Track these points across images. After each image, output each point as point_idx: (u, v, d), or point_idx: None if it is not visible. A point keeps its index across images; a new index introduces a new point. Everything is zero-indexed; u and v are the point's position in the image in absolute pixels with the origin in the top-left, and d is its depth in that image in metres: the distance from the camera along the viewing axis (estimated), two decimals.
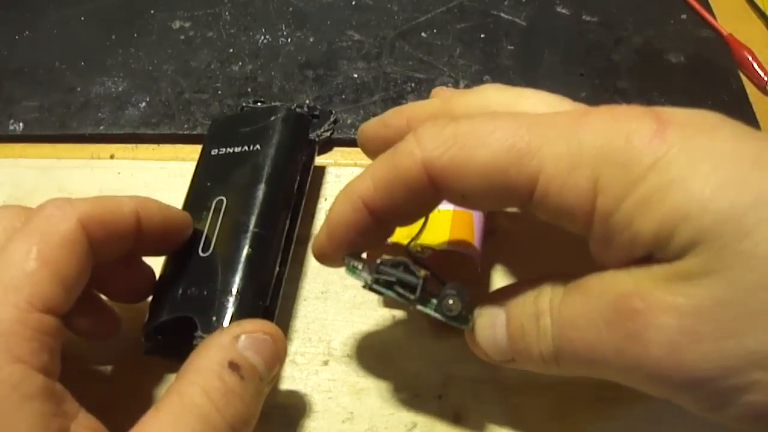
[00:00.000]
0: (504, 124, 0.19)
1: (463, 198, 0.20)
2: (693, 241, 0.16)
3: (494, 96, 0.23)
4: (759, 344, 0.16)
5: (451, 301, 0.21)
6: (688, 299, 0.16)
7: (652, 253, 0.17)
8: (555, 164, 0.18)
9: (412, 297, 0.21)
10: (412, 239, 0.25)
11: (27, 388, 0.18)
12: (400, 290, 0.22)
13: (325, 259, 0.23)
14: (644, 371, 0.17)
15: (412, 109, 0.25)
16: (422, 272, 0.21)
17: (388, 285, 0.22)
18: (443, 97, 0.25)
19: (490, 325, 0.21)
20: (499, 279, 0.29)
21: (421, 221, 0.24)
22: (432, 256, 0.25)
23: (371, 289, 0.22)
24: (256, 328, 0.22)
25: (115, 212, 0.22)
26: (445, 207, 0.27)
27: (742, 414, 0.17)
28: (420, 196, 0.20)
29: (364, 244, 0.23)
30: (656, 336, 0.17)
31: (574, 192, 0.18)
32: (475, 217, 0.27)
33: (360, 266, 0.22)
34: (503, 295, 0.22)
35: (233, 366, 0.20)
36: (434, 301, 0.22)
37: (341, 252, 0.22)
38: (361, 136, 0.27)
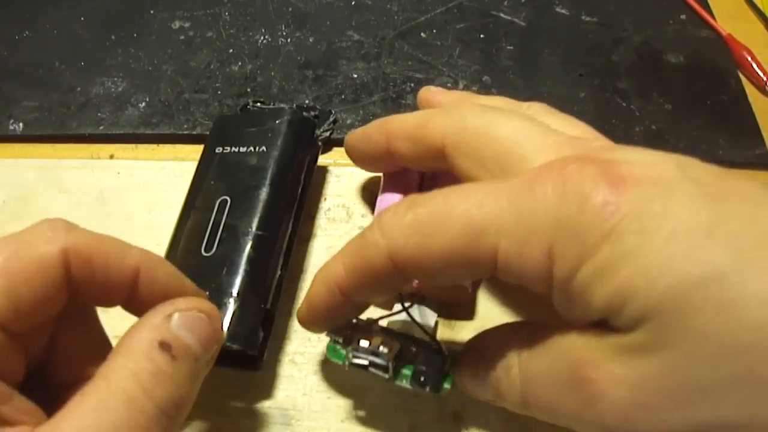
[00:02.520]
0: (458, 204, 0.19)
1: (431, 278, 0.21)
2: (642, 316, 0.16)
3: (470, 120, 0.23)
4: (711, 414, 0.16)
5: (423, 378, 0.23)
6: (638, 373, 0.17)
7: (605, 320, 0.17)
8: (510, 238, 0.18)
9: (386, 376, 0.23)
10: None
11: None
12: (374, 371, 0.23)
13: (308, 328, 0.25)
14: None
15: (392, 123, 0.26)
16: (391, 352, 0.23)
17: (364, 367, 0.23)
18: (421, 113, 0.26)
19: (473, 373, 0.23)
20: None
21: None
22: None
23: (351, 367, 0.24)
24: (191, 305, 0.21)
25: (112, 259, 0.20)
26: None
27: None
28: (388, 280, 0.21)
29: (342, 318, 0.24)
30: (609, 406, 0.17)
31: (530, 261, 0.18)
32: None
33: (339, 346, 0.24)
34: (484, 341, 0.23)
35: (164, 346, 0.19)
36: (407, 373, 0.23)
37: (322, 324, 0.24)
38: (347, 145, 0.30)
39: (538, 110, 0.25)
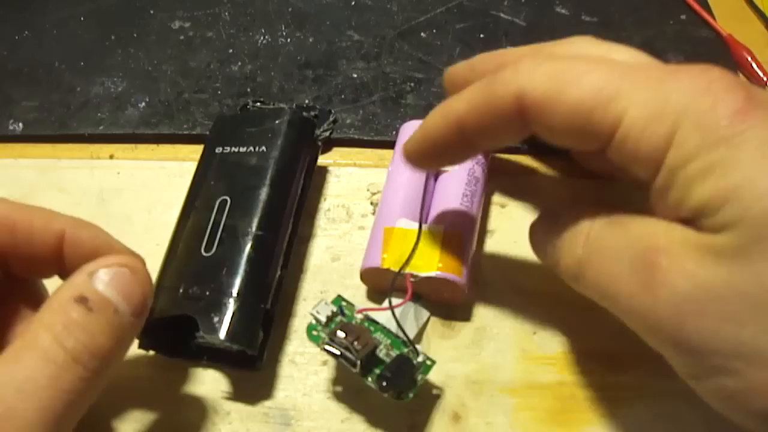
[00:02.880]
0: (599, 67, 0.19)
1: (549, 132, 0.20)
2: (734, 223, 0.16)
3: (587, 48, 0.23)
4: (752, 338, 0.16)
5: (385, 383, 0.23)
6: (707, 274, 0.17)
7: (696, 218, 0.18)
8: (638, 112, 0.18)
9: (354, 370, 0.24)
10: (402, 266, 0.26)
11: None
12: (344, 362, 0.24)
13: (411, 162, 0.25)
14: (647, 321, 0.18)
15: (502, 54, 0.26)
16: (364, 349, 0.23)
17: (335, 356, 0.24)
18: (530, 48, 0.25)
19: (544, 231, 0.23)
20: (499, 276, 0.29)
21: (411, 247, 0.27)
22: (420, 281, 0.26)
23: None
24: (114, 261, 0.21)
25: (35, 225, 0.21)
26: (436, 228, 0.27)
27: (713, 391, 0.18)
28: (508, 124, 0.21)
29: (447, 157, 0.24)
30: (667, 295, 0.17)
31: (650, 139, 0.18)
32: (465, 239, 0.27)
33: (319, 328, 0.25)
34: (562, 208, 0.23)
35: (80, 299, 0.19)
36: (377, 372, 0.24)
37: (427, 159, 0.24)
38: (447, 78, 0.28)
39: (585, 44, 0.24)
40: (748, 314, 0.16)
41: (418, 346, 0.25)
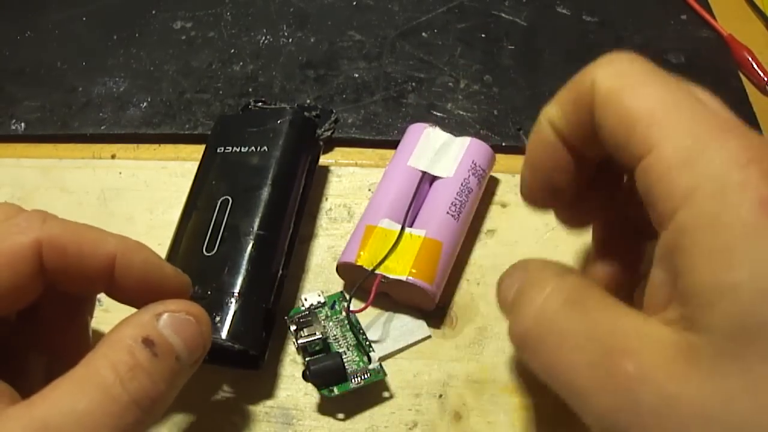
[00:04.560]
0: (661, 83, 0.18)
1: (598, 126, 0.19)
2: (721, 323, 0.15)
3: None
4: None
5: (306, 373, 0.25)
6: (676, 388, 0.15)
7: (685, 301, 0.16)
8: (672, 149, 0.16)
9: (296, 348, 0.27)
10: (376, 266, 0.27)
11: None
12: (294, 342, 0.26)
13: (529, 197, 0.23)
14: (603, 422, 0.17)
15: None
16: (304, 338, 0.26)
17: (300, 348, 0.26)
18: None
19: (504, 277, 0.22)
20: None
21: (389, 248, 0.27)
22: (391, 283, 0.27)
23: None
24: (180, 307, 0.21)
25: (86, 248, 0.21)
26: (418, 233, 0.28)
27: None
28: (590, 114, 0.19)
29: (562, 178, 0.21)
30: (630, 404, 0.16)
31: (669, 184, 0.16)
32: (445, 248, 0.28)
33: (301, 311, 0.27)
34: (530, 262, 0.21)
35: (147, 342, 0.19)
36: (308, 359, 0.26)
37: (544, 187, 0.22)
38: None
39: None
40: None
41: (373, 354, 0.26)
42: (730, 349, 0.14)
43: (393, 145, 0.33)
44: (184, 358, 0.20)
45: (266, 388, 0.27)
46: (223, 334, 0.24)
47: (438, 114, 0.36)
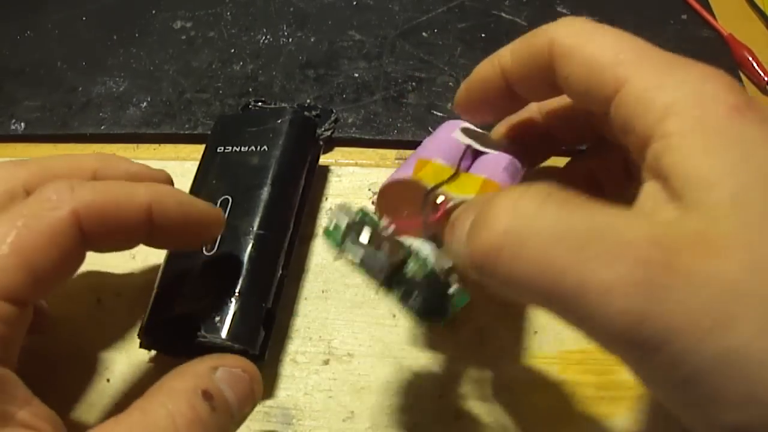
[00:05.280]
0: (616, 32, 0.20)
1: (566, 81, 0.21)
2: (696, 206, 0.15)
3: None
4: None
5: (413, 301, 0.20)
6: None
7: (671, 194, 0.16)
8: (642, 79, 0.18)
9: (377, 281, 0.21)
10: (438, 184, 0.23)
11: None
12: (366, 272, 0.21)
13: (461, 108, 0.25)
14: (623, 319, 0.15)
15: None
16: (392, 258, 0.20)
17: (355, 264, 0.21)
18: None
19: (463, 218, 0.19)
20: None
21: (451, 172, 0.23)
22: (448, 210, 0.22)
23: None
24: (236, 364, 0.21)
25: (122, 205, 0.20)
26: (478, 174, 0.24)
27: (680, 400, 0.16)
28: (540, 71, 0.21)
29: (492, 106, 0.24)
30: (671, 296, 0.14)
31: (648, 107, 0.18)
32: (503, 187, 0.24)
33: (338, 231, 0.21)
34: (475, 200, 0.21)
35: (207, 395, 0.19)
36: (404, 288, 0.21)
37: (475, 104, 0.25)
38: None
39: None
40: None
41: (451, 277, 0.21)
42: (739, 221, 0.15)
43: (394, 144, 0.32)
44: (236, 415, 0.20)
45: (266, 388, 0.27)
46: (223, 334, 0.24)
47: (438, 114, 0.36)
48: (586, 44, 0.20)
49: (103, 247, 0.21)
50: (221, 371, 0.20)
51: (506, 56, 0.23)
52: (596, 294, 0.15)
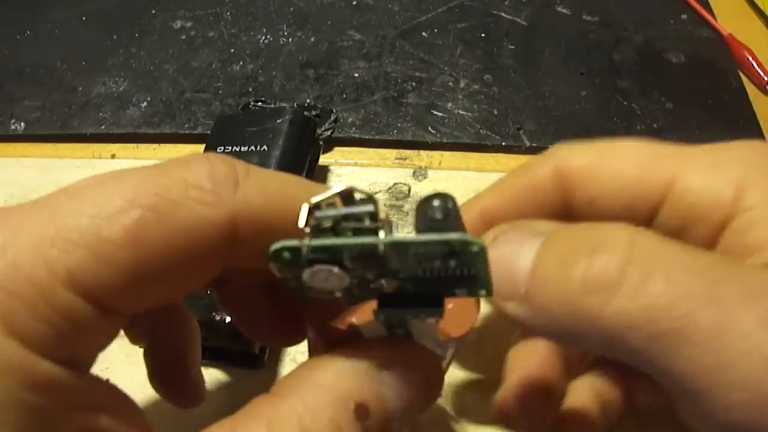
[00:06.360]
0: (639, 142, 0.19)
1: (590, 203, 0.18)
2: None
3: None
4: None
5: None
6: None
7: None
8: (694, 164, 0.17)
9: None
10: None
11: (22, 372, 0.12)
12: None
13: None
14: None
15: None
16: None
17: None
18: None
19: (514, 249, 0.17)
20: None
21: None
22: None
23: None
24: (412, 359, 0.16)
25: (278, 217, 0.16)
26: None
27: None
28: (544, 198, 0.19)
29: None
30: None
31: (714, 185, 0.17)
32: None
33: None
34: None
35: (361, 411, 0.14)
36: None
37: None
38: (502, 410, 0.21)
39: None
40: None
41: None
42: None
43: (393, 144, 0.32)
44: (393, 420, 0.15)
45: (266, 389, 0.27)
46: (224, 334, 0.24)
47: (438, 114, 0.36)
48: (607, 160, 0.18)
49: (242, 262, 0.16)
50: (388, 376, 0.15)
51: (487, 198, 0.20)
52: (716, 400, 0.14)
